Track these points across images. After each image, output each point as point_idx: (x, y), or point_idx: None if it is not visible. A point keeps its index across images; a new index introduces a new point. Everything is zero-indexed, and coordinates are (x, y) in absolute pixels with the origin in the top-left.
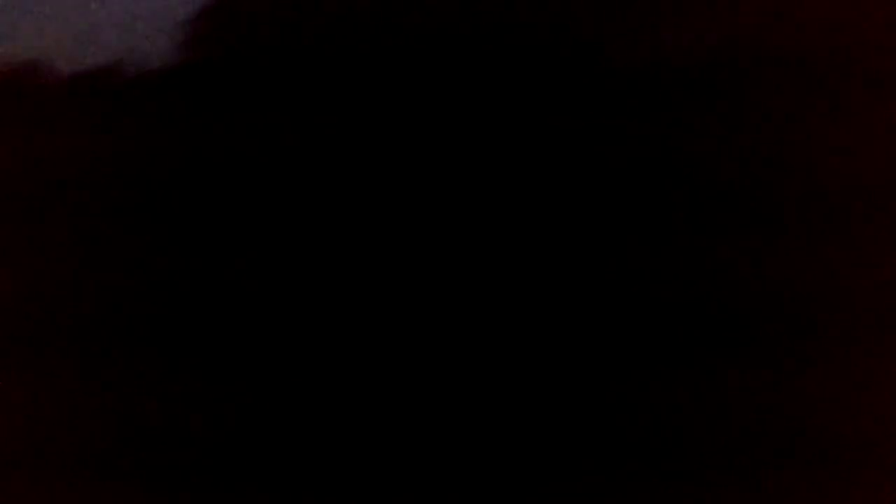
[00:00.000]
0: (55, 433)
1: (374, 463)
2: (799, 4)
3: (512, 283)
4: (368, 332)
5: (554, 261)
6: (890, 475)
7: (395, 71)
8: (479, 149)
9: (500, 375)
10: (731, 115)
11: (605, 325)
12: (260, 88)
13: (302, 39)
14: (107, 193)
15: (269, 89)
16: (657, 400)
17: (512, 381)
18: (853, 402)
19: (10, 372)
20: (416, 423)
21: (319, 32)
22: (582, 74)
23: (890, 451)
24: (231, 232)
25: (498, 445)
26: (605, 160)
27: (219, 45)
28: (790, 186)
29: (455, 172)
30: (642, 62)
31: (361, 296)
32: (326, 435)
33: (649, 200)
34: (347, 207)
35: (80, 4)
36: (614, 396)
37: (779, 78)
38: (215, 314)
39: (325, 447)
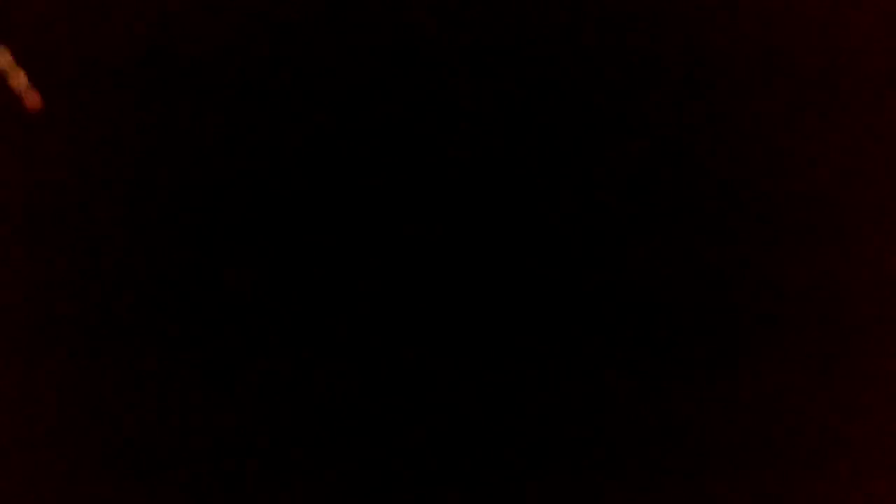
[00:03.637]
0: (54, 432)
1: (369, 458)
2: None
3: (516, 285)
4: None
5: (554, 262)
6: (890, 475)
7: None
8: (473, 146)
9: (501, 375)
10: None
11: (606, 326)
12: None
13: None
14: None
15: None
16: (657, 400)
17: (514, 382)
18: (853, 402)
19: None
20: (413, 422)
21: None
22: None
23: (890, 451)
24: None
25: (499, 444)
26: (601, 160)
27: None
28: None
29: (448, 172)
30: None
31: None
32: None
33: (649, 201)
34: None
35: None
36: (615, 397)
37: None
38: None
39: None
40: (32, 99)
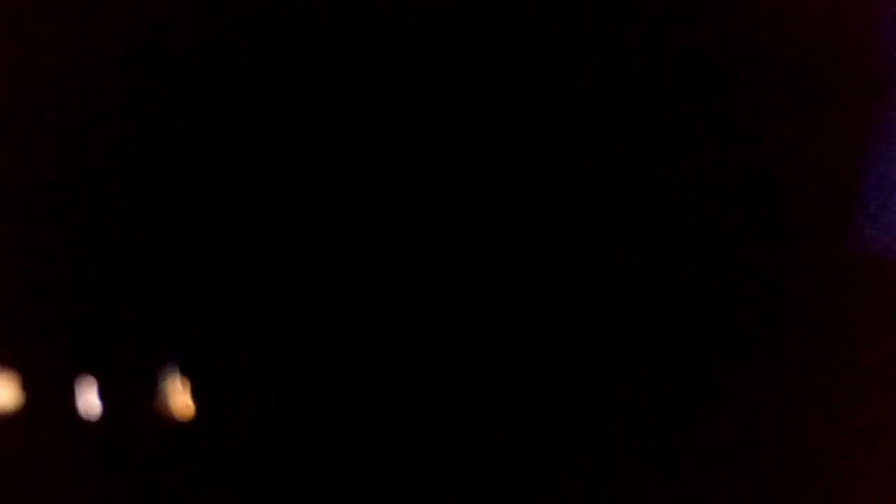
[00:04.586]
0: (53, 433)
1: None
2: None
3: (517, 285)
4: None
5: (552, 260)
6: (890, 475)
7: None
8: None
9: (501, 376)
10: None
11: (605, 326)
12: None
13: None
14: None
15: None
16: (656, 400)
17: (512, 384)
18: (853, 402)
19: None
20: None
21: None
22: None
23: (890, 451)
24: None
25: (499, 447)
26: (597, 159)
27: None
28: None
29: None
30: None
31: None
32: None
33: (648, 201)
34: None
35: None
36: (613, 397)
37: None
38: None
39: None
40: None
